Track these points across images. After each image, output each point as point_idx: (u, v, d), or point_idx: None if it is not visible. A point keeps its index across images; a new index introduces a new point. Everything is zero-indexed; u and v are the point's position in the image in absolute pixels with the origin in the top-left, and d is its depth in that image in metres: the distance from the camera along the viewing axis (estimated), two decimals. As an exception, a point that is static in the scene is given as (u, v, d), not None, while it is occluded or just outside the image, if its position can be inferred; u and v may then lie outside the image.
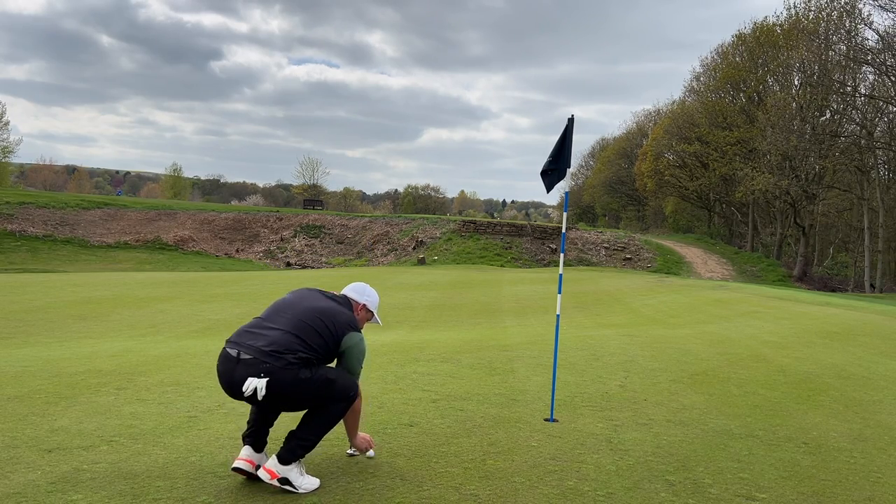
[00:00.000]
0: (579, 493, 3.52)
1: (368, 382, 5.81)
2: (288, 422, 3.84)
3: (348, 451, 4.04)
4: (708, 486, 3.73)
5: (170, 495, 3.28)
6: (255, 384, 3.26)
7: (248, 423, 3.69)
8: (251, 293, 16.27)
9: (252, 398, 3.30)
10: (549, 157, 5.10)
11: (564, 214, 5.85)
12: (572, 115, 5.12)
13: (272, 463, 3.43)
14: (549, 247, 38.14)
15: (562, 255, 5.50)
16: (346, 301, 3.84)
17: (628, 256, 37.87)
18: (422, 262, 35.61)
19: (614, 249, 38.87)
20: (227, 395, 3.48)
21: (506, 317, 13.22)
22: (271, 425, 3.72)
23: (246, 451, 3.57)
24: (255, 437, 3.62)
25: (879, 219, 35.80)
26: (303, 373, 3.36)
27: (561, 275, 5.68)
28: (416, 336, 9.78)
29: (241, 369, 3.31)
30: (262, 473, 3.43)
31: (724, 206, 56.26)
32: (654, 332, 10.21)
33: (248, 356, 3.32)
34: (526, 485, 3.61)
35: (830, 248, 49.77)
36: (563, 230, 5.53)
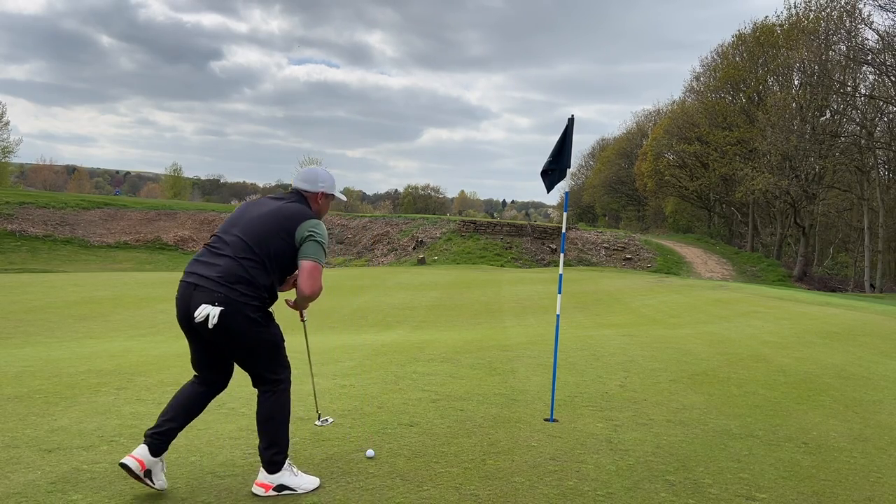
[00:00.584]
0: (579, 493, 3.52)
1: (368, 382, 5.82)
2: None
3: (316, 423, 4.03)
4: (708, 486, 3.73)
5: (170, 495, 3.28)
6: (208, 311, 3.18)
7: (162, 414, 3.39)
8: (251, 293, 16.26)
9: (203, 326, 3.20)
10: (550, 157, 5.10)
11: (564, 214, 5.85)
12: (572, 115, 5.12)
13: (262, 477, 3.37)
14: (549, 247, 38.15)
15: (562, 255, 5.50)
16: (299, 196, 3.59)
17: (628, 256, 37.87)
18: (422, 262, 35.62)
19: (614, 249, 38.87)
20: (182, 328, 3.38)
21: (506, 317, 13.22)
22: (188, 421, 3.43)
23: (141, 450, 3.26)
24: (162, 437, 3.31)
25: (879, 219, 35.79)
26: (256, 313, 3.30)
27: (561, 275, 5.68)
28: (416, 336, 9.79)
29: (197, 296, 3.23)
30: (255, 489, 3.35)
31: (724, 206, 56.25)
32: (654, 332, 10.21)
33: (203, 284, 3.25)
34: (526, 485, 3.61)
35: (830, 248, 49.77)
36: (563, 230, 5.53)
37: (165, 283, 19.02)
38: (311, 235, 3.39)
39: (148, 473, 3.25)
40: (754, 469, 4.06)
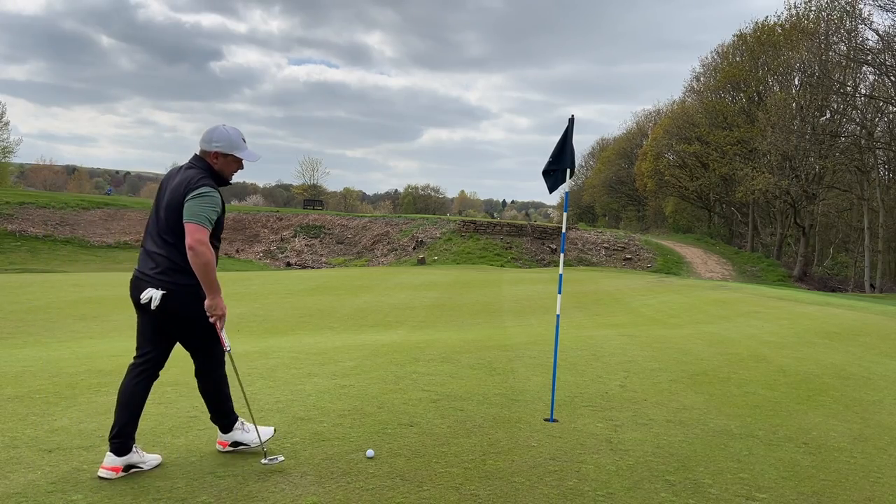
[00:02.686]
0: (579, 493, 3.52)
1: (368, 382, 5.82)
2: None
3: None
4: (708, 486, 3.73)
5: (170, 495, 3.28)
6: (152, 293, 3.48)
7: (116, 418, 3.57)
8: (251, 293, 16.27)
9: (147, 308, 3.52)
10: (550, 157, 5.10)
11: (564, 215, 5.85)
12: (573, 115, 5.12)
13: (219, 436, 3.90)
14: (549, 247, 38.14)
15: (562, 255, 5.50)
16: (197, 159, 3.65)
17: (628, 256, 37.87)
18: (422, 262, 35.61)
19: (614, 249, 38.87)
20: (136, 314, 3.68)
21: (506, 317, 13.22)
22: (211, 399, 3.84)
23: (109, 458, 3.49)
24: (123, 438, 3.50)
25: (879, 219, 35.79)
26: (188, 298, 3.51)
27: (561, 275, 5.68)
28: (416, 336, 9.78)
29: (143, 284, 3.55)
30: (217, 446, 3.88)
31: (724, 206, 56.26)
32: (654, 332, 10.21)
33: (147, 276, 3.55)
34: (526, 485, 3.61)
35: (830, 248, 49.75)
36: (564, 230, 5.53)
37: (165, 283, 19.01)
38: (194, 196, 3.45)
39: (128, 468, 3.52)
40: (754, 469, 4.06)
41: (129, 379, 3.65)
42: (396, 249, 40.50)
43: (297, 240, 44.42)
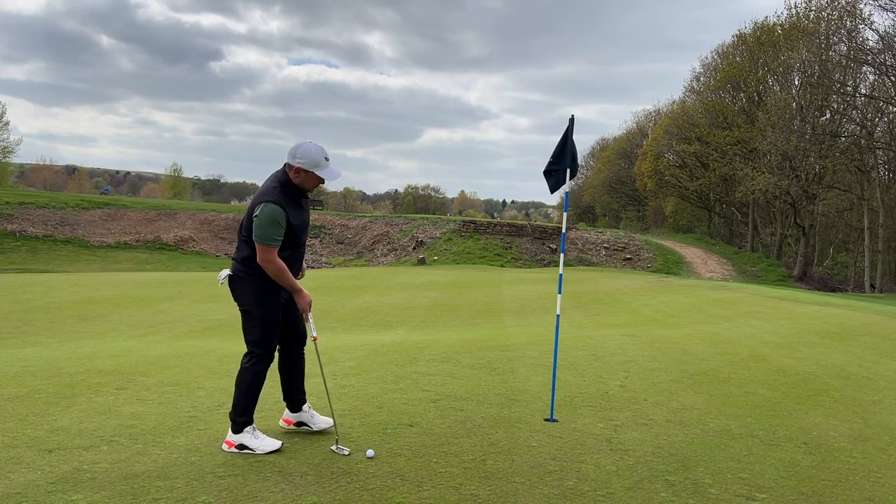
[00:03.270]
0: (579, 493, 3.52)
1: (368, 382, 5.82)
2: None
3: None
4: (708, 486, 3.73)
5: (170, 495, 3.28)
6: (222, 272, 4.12)
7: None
8: (251, 293, 16.26)
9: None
10: (551, 157, 5.10)
11: (565, 214, 5.85)
12: (573, 116, 5.11)
13: (228, 437, 3.98)
14: (549, 247, 38.14)
15: (562, 255, 5.50)
16: (282, 171, 4.03)
17: (628, 256, 37.87)
18: (422, 262, 35.61)
19: (614, 249, 38.87)
20: None
21: (506, 317, 13.22)
22: (287, 379, 4.29)
23: (285, 413, 4.35)
24: (288, 399, 4.30)
25: (879, 219, 35.79)
26: (246, 284, 4.01)
27: (561, 275, 5.68)
28: (416, 336, 9.78)
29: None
30: (223, 446, 3.96)
31: (724, 206, 56.26)
32: (654, 332, 10.21)
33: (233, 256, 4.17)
34: (526, 485, 3.61)
35: (830, 248, 49.75)
36: (564, 230, 5.53)
37: (165, 283, 19.02)
38: (255, 216, 3.88)
39: (300, 424, 4.30)
40: (754, 469, 4.06)
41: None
42: (396, 249, 40.51)
43: (297, 240, 44.40)
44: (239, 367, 4.06)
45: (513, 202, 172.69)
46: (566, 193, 5.53)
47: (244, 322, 4.08)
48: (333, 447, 3.99)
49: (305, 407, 4.33)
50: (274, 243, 3.85)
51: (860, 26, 35.46)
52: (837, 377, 7.02)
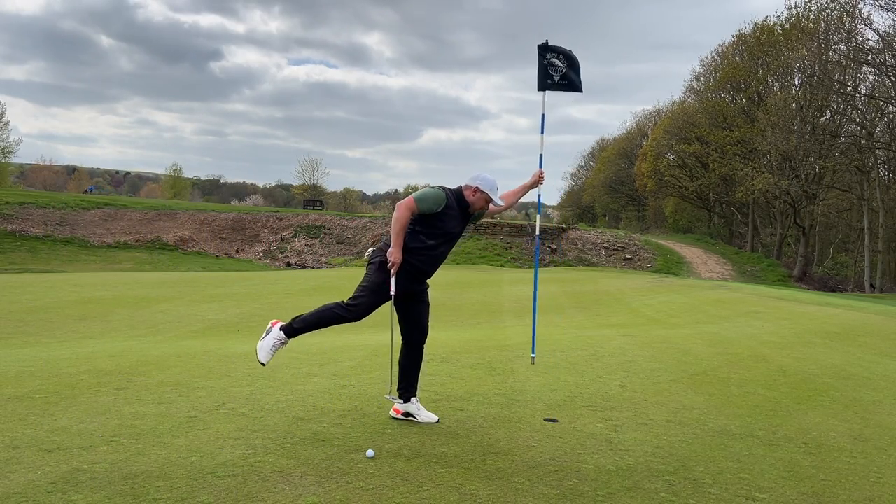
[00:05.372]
0: (579, 493, 3.52)
1: (368, 382, 5.82)
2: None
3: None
4: (708, 486, 3.73)
5: (170, 495, 3.28)
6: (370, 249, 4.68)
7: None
8: (251, 293, 16.27)
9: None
10: (557, 75, 5.14)
11: (538, 217, 5.82)
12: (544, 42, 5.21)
13: (275, 329, 4.61)
14: (549, 247, 38.15)
15: (538, 217, 5.56)
16: (459, 188, 4.65)
17: (628, 256, 37.88)
18: (422, 262, 35.59)
19: (614, 249, 38.88)
20: None
21: (506, 317, 13.22)
22: (405, 370, 4.67)
23: (397, 404, 4.71)
24: (401, 390, 4.67)
25: (879, 219, 35.79)
26: (378, 255, 4.54)
27: (536, 278, 5.57)
28: (416, 336, 9.78)
29: None
30: (273, 328, 4.65)
31: (724, 206, 56.26)
32: (654, 332, 10.21)
33: None
34: (526, 485, 3.61)
35: (830, 248, 49.76)
36: (538, 232, 5.52)
37: (165, 283, 19.02)
38: (426, 187, 4.61)
39: (407, 415, 4.64)
40: (754, 469, 4.06)
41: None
42: (396, 249, 40.50)
43: (297, 240, 44.43)
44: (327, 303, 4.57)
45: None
46: (539, 196, 5.52)
47: (363, 280, 4.58)
48: (388, 396, 4.75)
49: (414, 399, 4.67)
50: (420, 204, 4.40)
51: (860, 26, 35.50)
52: (837, 377, 7.02)
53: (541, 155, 5.50)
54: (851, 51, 35.32)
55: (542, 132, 5.67)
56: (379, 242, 4.63)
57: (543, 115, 5.57)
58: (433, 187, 4.56)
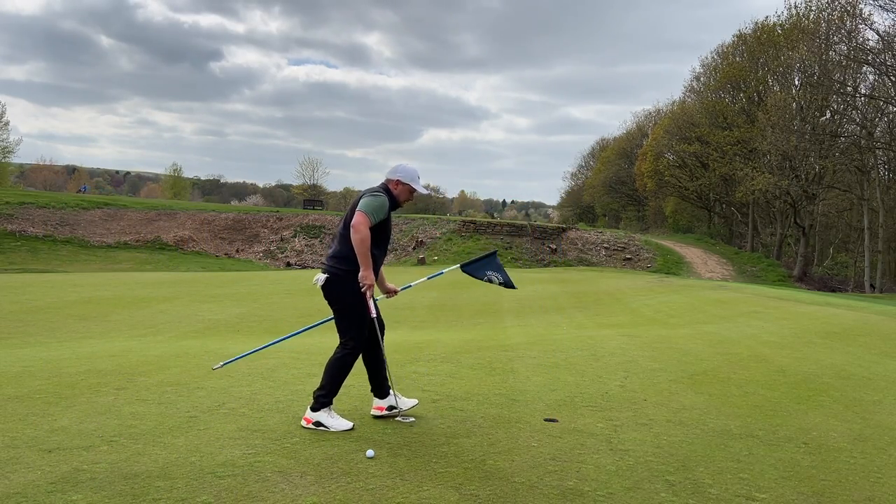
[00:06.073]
0: (579, 493, 3.52)
1: (368, 383, 5.81)
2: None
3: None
4: (708, 486, 3.73)
5: (170, 495, 3.28)
6: (318, 276, 4.48)
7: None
8: (251, 293, 16.27)
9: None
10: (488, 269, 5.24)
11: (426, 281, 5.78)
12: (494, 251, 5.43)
13: (306, 414, 4.43)
14: (549, 247, 38.14)
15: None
16: (382, 185, 4.66)
17: (628, 256, 37.87)
18: (422, 262, 35.63)
19: (614, 249, 38.87)
20: None
21: (506, 317, 13.22)
22: (374, 370, 4.69)
23: (374, 402, 4.76)
24: (374, 387, 4.74)
25: (879, 219, 35.79)
26: (342, 285, 4.42)
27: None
28: (416, 336, 9.78)
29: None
30: (301, 422, 4.42)
31: (724, 206, 56.24)
32: (654, 332, 10.21)
33: (324, 261, 4.63)
34: (526, 485, 3.61)
35: (830, 248, 49.75)
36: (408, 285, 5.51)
37: (165, 283, 19.02)
38: (367, 195, 4.50)
39: (391, 408, 4.68)
40: (754, 469, 4.06)
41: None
42: (396, 249, 40.50)
43: (297, 240, 44.41)
44: (332, 354, 4.52)
45: (513, 202, 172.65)
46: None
47: (339, 319, 4.51)
48: (399, 418, 4.64)
49: (391, 392, 4.76)
50: (373, 218, 4.40)
51: (860, 26, 35.47)
52: (837, 377, 7.01)
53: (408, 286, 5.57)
54: (851, 51, 35.31)
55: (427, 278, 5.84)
56: (318, 277, 4.46)
57: (440, 273, 5.72)
58: (370, 195, 4.49)
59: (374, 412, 4.72)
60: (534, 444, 4.29)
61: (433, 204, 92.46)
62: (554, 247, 38.01)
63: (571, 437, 4.46)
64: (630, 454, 4.17)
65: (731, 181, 46.50)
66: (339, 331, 4.53)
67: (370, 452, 3.93)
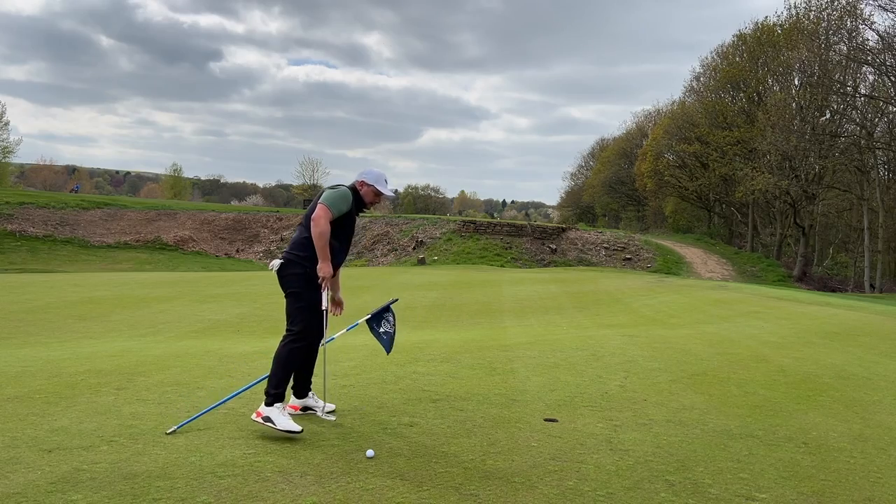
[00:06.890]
0: (579, 493, 3.52)
1: (368, 382, 5.81)
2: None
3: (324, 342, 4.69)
4: (708, 486, 3.73)
5: (170, 495, 3.28)
6: (273, 262, 4.49)
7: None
8: (251, 293, 16.27)
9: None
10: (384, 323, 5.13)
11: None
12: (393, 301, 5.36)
13: (259, 408, 4.29)
14: (549, 247, 38.14)
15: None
16: (350, 185, 4.67)
17: (628, 256, 37.87)
18: (422, 262, 35.62)
19: (614, 249, 38.86)
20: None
21: (506, 317, 13.22)
22: (304, 366, 4.61)
23: (290, 399, 4.64)
24: (296, 386, 4.65)
25: (879, 219, 35.78)
26: (296, 268, 4.40)
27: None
28: (416, 336, 9.78)
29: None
30: (252, 415, 4.32)
31: (724, 206, 56.23)
32: (654, 332, 10.20)
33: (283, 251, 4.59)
34: (526, 485, 3.61)
35: (830, 248, 49.75)
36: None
37: (165, 283, 19.02)
38: (330, 188, 4.56)
39: (305, 409, 4.67)
40: (754, 469, 4.06)
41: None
42: (396, 249, 40.50)
43: (297, 240, 44.39)
44: (278, 345, 4.43)
45: (513, 202, 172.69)
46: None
47: (289, 304, 4.45)
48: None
49: (310, 394, 4.73)
50: (334, 210, 4.39)
51: (860, 26, 35.47)
52: (837, 377, 7.01)
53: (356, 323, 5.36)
54: (851, 51, 35.30)
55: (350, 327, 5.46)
56: (273, 262, 4.48)
57: (355, 325, 5.46)
58: (333, 188, 4.55)
59: (288, 410, 4.49)
60: (534, 444, 4.29)
61: (433, 204, 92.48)
62: (554, 247, 38.01)
63: (571, 437, 4.45)
64: (630, 454, 4.17)
65: (730, 181, 46.51)
66: (287, 316, 4.45)
67: (370, 452, 3.93)
